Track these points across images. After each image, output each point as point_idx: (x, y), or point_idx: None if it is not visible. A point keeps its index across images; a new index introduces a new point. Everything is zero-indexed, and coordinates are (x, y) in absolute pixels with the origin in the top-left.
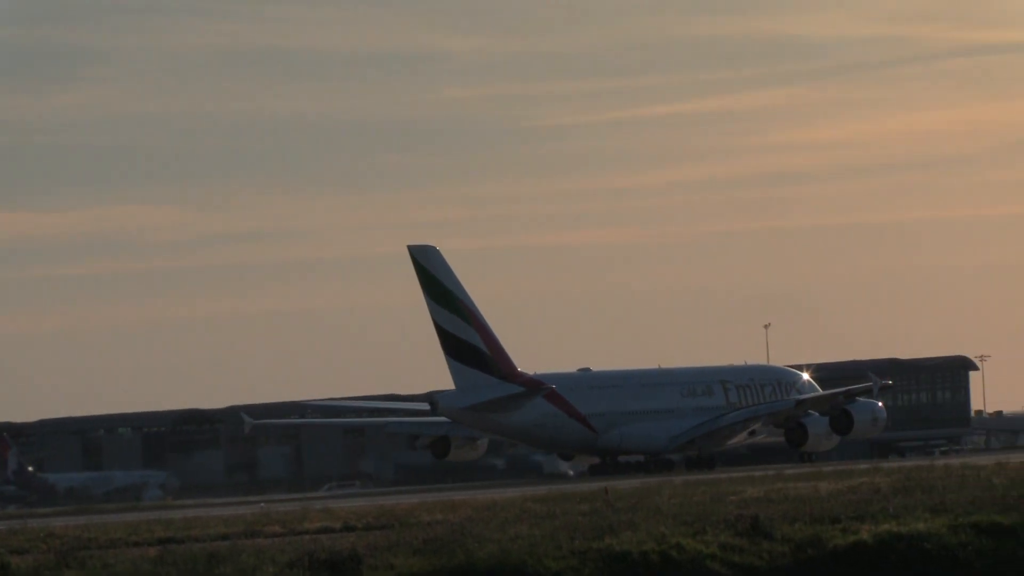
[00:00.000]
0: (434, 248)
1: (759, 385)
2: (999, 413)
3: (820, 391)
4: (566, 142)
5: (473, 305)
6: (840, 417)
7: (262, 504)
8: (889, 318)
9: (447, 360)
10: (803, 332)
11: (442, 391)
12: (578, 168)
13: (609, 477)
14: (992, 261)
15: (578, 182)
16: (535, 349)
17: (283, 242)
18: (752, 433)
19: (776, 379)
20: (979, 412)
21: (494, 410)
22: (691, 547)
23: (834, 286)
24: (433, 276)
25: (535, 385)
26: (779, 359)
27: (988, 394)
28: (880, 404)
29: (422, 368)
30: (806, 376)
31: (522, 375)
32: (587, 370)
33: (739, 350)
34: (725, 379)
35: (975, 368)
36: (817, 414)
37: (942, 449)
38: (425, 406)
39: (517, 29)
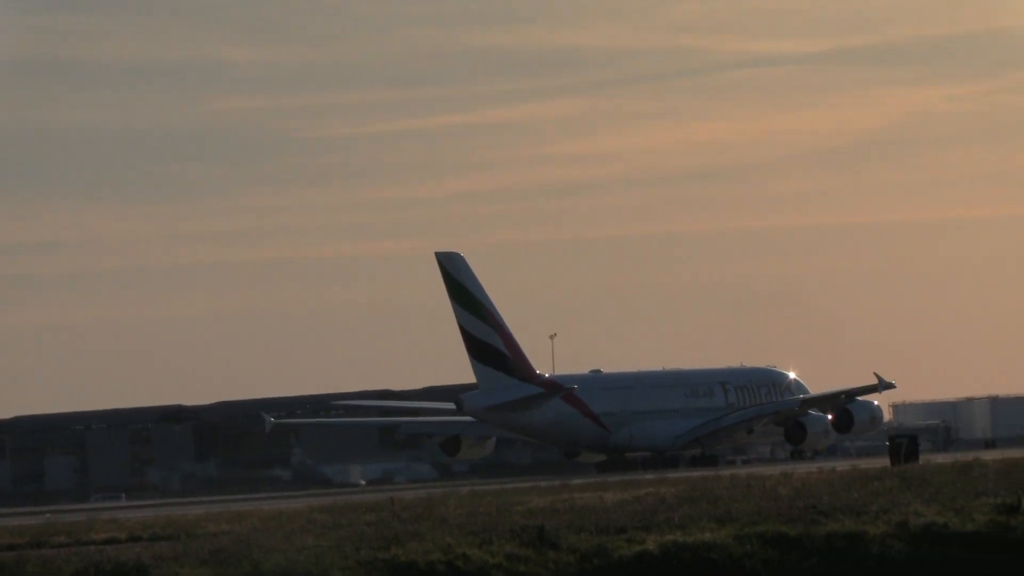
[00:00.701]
0: (459, 255)
1: (755, 386)
2: None
3: (809, 391)
4: (345, 153)
5: (495, 309)
6: (841, 416)
7: (48, 515)
8: (674, 330)
9: (471, 362)
10: (591, 341)
11: (467, 392)
12: (359, 179)
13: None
14: (777, 271)
15: (358, 193)
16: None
17: (50, 253)
18: (751, 432)
19: (771, 380)
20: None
21: (515, 409)
22: (477, 557)
23: (622, 295)
24: (459, 282)
25: (554, 386)
26: (565, 369)
27: None
28: (877, 404)
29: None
30: (793, 375)
31: (539, 376)
32: (598, 371)
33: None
34: (725, 381)
35: None
36: (816, 413)
37: (743, 459)
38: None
39: (297, 39)
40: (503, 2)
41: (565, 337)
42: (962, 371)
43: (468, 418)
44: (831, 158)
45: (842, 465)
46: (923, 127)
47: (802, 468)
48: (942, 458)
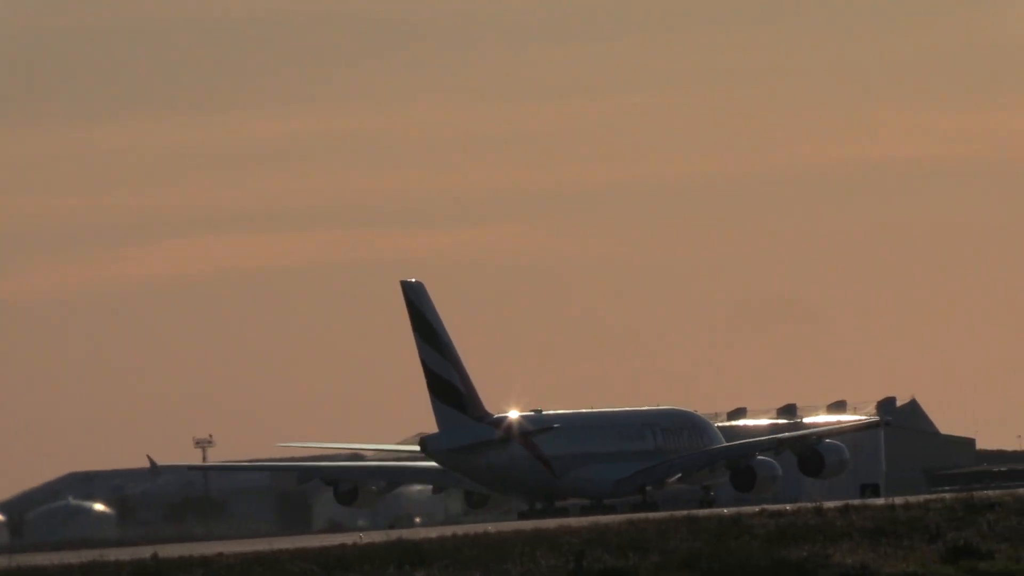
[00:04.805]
0: (421, 284)
1: (678, 429)
2: None
3: (720, 436)
4: None
5: (451, 341)
6: (810, 458)
7: None
8: None
9: (432, 400)
10: None
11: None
12: None
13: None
14: None
15: None
16: None
17: None
18: (681, 479)
19: (691, 423)
20: None
21: (475, 452)
22: None
23: None
24: (421, 313)
25: (510, 426)
26: None
27: None
28: (842, 445)
29: None
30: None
31: (490, 416)
32: (539, 411)
33: None
34: (652, 423)
35: None
36: (766, 457)
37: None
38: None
39: None
40: None
41: None
42: None
43: (376, 463)
44: None
45: None
46: None
47: None
48: None
